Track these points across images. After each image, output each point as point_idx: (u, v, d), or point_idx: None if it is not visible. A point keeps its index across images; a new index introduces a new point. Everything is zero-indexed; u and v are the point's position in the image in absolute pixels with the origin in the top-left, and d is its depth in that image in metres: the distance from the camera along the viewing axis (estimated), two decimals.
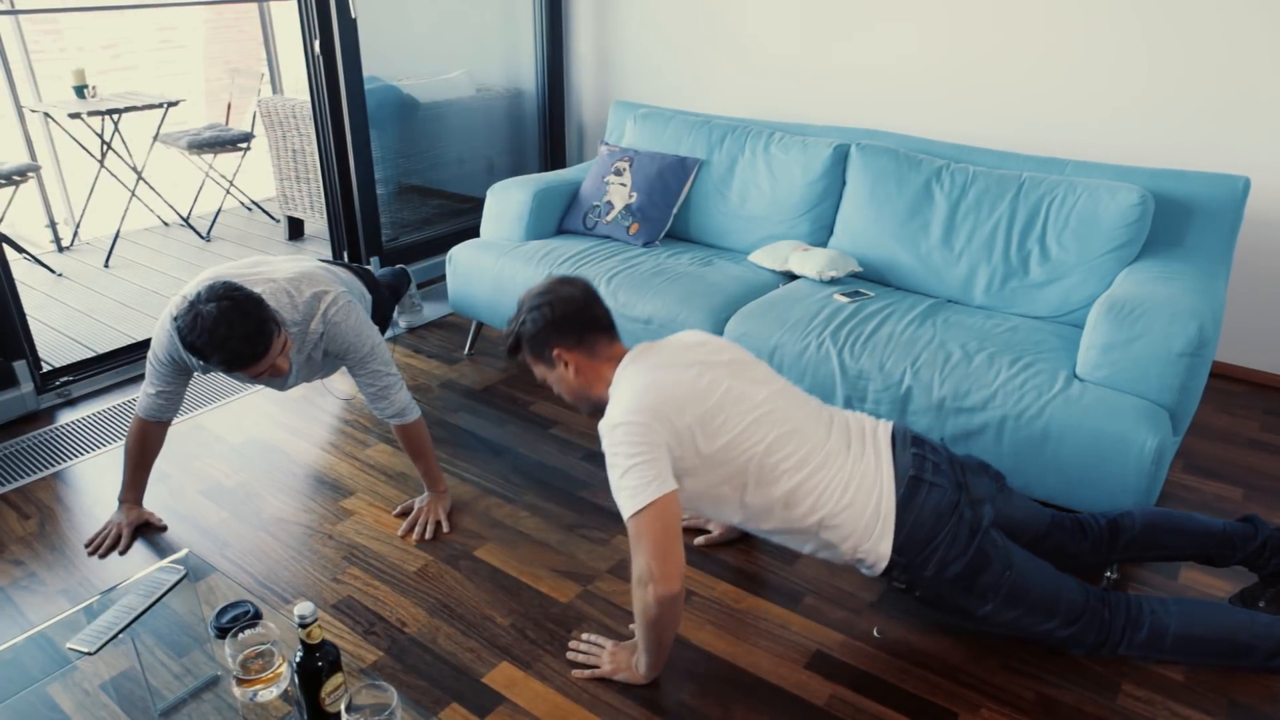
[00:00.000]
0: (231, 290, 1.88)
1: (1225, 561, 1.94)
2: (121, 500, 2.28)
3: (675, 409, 1.62)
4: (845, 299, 2.63)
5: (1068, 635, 1.76)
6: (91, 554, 2.19)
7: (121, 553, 2.19)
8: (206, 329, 1.83)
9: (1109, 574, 2.04)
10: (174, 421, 2.42)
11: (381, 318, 2.66)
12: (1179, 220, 2.53)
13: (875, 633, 1.94)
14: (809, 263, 2.80)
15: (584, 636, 1.90)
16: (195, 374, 2.20)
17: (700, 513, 1.79)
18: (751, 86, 3.73)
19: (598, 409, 1.81)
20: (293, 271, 2.16)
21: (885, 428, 1.80)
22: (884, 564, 1.69)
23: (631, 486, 1.58)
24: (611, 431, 1.62)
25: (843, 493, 1.67)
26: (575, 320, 1.77)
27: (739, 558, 2.19)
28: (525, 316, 1.79)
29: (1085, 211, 2.51)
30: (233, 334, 1.84)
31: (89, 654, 1.54)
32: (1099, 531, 1.92)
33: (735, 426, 1.66)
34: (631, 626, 1.94)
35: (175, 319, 1.89)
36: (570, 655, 1.87)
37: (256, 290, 2.01)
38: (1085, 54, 2.96)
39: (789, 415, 1.72)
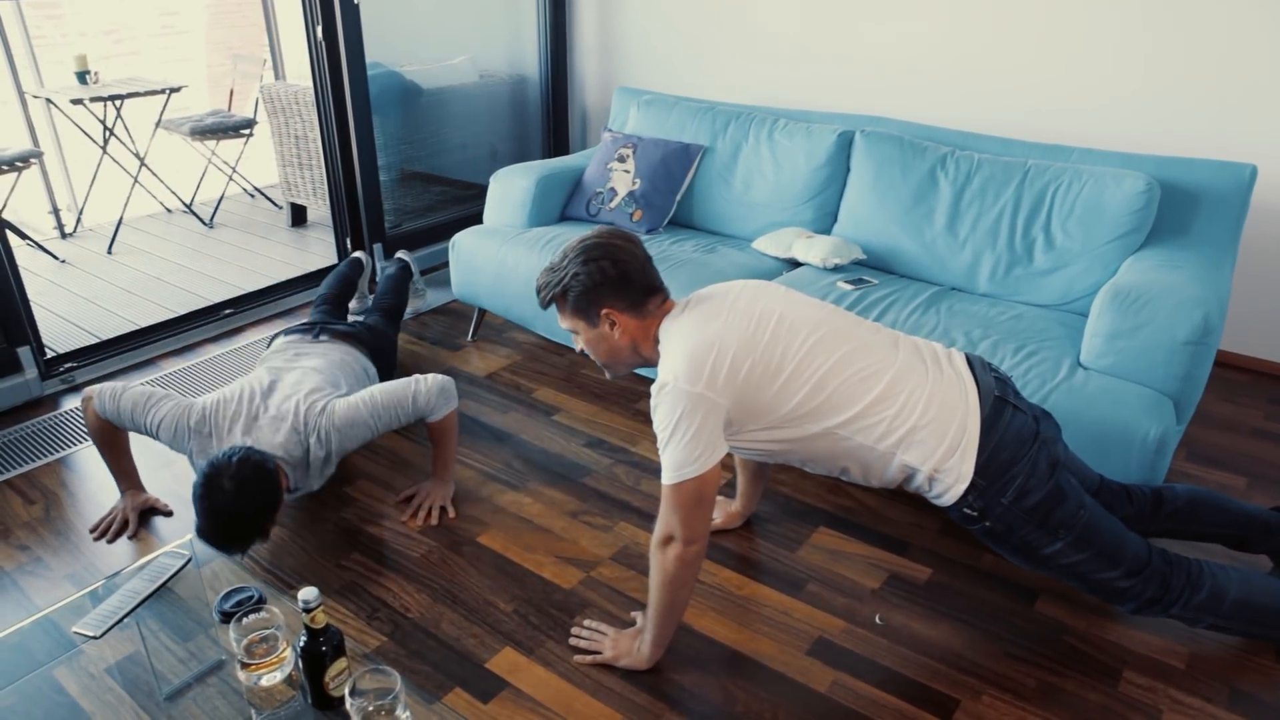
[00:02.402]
0: (255, 486, 1.88)
1: (1255, 547, 1.94)
2: (122, 490, 2.29)
3: (731, 365, 1.56)
4: (849, 286, 2.62)
5: (1127, 587, 1.71)
6: (98, 539, 2.20)
7: (131, 537, 2.20)
8: (205, 505, 1.84)
9: None
10: None
11: (387, 363, 2.69)
12: (1185, 208, 2.52)
13: (877, 619, 1.94)
14: (813, 250, 2.79)
15: (586, 623, 1.91)
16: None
17: (765, 459, 1.75)
18: (755, 72, 3.72)
19: (634, 370, 1.79)
20: (304, 393, 2.16)
21: (959, 353, 1.73)
22: (963, 486, 1.60)
23: (676, 459, 1.56)
24: (661, 393, 1.57)
25: (925, 408, 1.59)
26: (636, 281, 1.66)
27: (741, 544, 2.19)
28: (578, 269, 1.65)
29: (1090, 199, 2.50)
30: (218, 527, 1.85)
31: (95, 638, 1.55)
32: (1144, 499, 1.90)
33: (797, 354, 1.60)
34: (634, 614, 1.94)
35: (197, 482, 1.88)
36: (573, 641, 1.87)
37: (268, 435, 2.05)
38: (1091, 40, 2.94)
39: (849, 333, 1.66)
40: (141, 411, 2.10)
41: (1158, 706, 1.72)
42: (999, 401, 1.64)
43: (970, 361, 1.72)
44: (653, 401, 1.60)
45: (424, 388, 2.19)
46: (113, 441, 2.23)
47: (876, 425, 1.61)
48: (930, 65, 3.27)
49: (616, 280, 1.65)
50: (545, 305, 1.73)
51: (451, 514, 2.29)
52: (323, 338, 2.50)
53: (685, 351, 1.58)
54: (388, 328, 2.82)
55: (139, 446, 2.44)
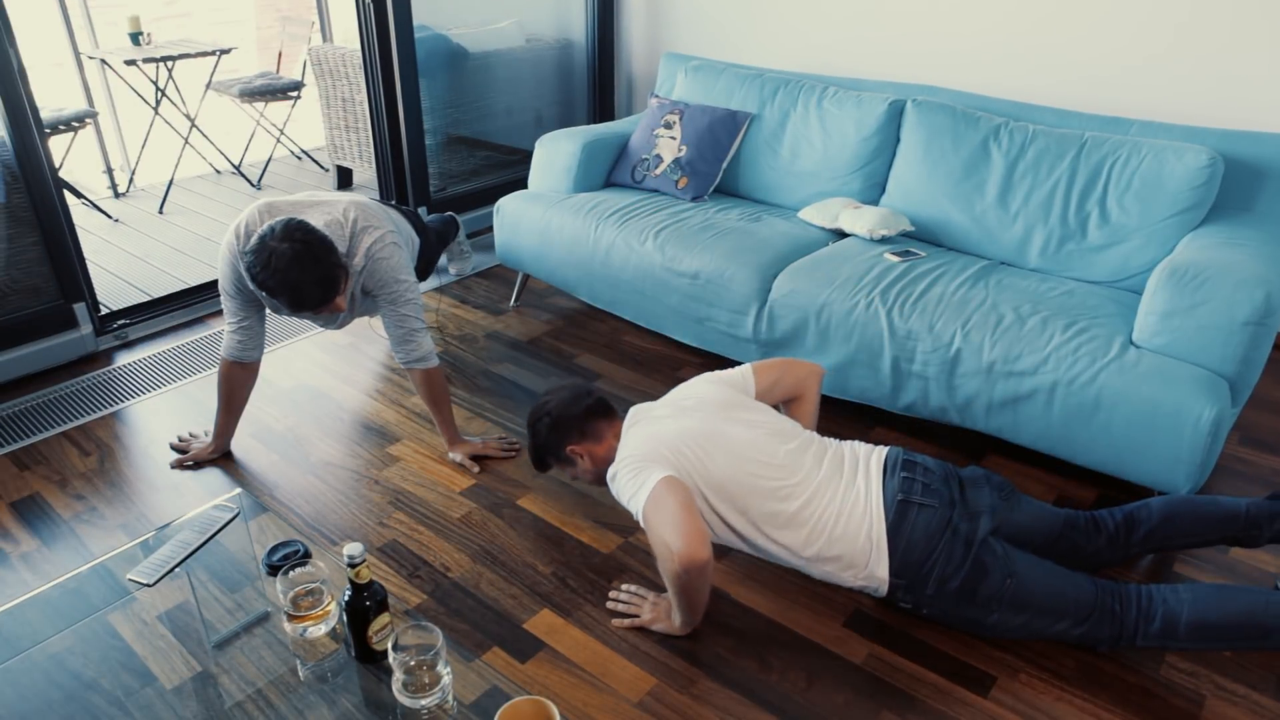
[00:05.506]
0: (304, 232, 1.94)
1: (1255, 542, 1.86)
2: (213, 440, 2.40)
3: (672, 448, 1.74)
4: (896, 258, 2.58)
5: (1082, 633, 1.72)
6: (173, 449, 2.42)
7: (188, 468, 2.37)
8: (280, 269, 1.90)
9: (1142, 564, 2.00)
10: None
11: (426, 262, 2.71)
12: (1249, 184, 2.44)
13: None
14: (860, 220, 2.75)
15: (624, 587, 1.93)
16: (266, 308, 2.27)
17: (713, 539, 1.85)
18: (805, 38, 3.65)
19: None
20: (348, 202, 2.21)
21: (879, 454, 1.83)
22: (885, 588, 1.74)
23: (632, 490, 1.69)
24: (614, 477, 1.76)
25: (834, 523, 1.73)
26: (573, 416, 1.89)
27: None
28: (535, 437, 1.94)
29: (1149, 173, 2.42)
30: (304, 278, 1.92)
31: (148, 585, 1.59)
32: (1114, 527, 1.87)
33: (729, 464, 1.74)
34: None
35: (245, 254, 1.95)
36: (610, 604, 1.89)
37: (314, 218, 2.08)
38: (1156, 8, 2.83)
39: (776, 450, 1.79)
40: (224, 310, 2.24)
41: (1200, 692, 1.70)
42: (903, 505, 1.72)
43: (886, 464, 1.80)
44: (612, 489, 1.77)
45: (429, 337, 2.28)
46: (225, 396, 2.33)
47: (795, 537, 1.74)
48: (986, 33, 3.18)
49: (557, 424, 1.89)
50: (543, 471, 2.04)
51: (476, 470, 2.35)
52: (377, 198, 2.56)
53: (629, 444, 1.79)
54: (434, 238, 2.87)
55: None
